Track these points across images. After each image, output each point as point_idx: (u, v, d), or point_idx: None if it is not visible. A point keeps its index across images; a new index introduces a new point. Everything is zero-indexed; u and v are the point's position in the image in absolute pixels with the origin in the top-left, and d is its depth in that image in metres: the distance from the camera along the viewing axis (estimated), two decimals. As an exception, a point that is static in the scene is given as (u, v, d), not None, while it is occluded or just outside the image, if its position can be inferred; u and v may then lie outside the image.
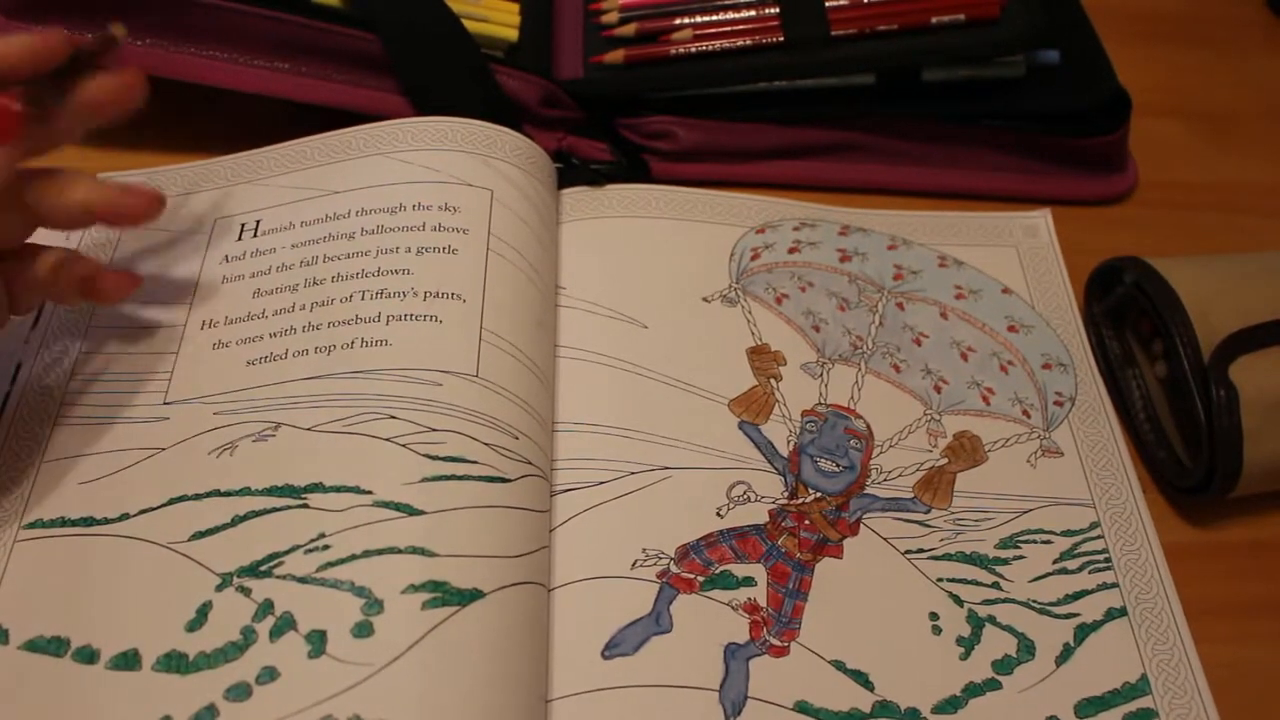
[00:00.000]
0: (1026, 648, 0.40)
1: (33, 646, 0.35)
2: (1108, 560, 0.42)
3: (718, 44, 0.52)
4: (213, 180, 0.48)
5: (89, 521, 0.38)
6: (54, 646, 0.35)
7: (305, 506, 0.37)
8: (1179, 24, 0.67)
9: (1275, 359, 0.43)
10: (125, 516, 0.38)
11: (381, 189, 0.46)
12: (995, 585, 0.41)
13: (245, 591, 0.36)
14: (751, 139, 0.53)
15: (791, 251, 0.51)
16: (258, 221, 0.46)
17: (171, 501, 0.38)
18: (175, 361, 0.42)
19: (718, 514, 0.42)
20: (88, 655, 0.35)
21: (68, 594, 0.36)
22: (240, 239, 0.46)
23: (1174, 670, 0.40)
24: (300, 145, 0.48)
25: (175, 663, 0.34)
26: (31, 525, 0.38)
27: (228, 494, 0.38)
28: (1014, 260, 0.52)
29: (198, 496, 0.38)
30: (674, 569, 0.40)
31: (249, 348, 0.42)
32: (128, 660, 0.35)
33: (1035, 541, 0.43)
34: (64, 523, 0.38)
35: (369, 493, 0.37)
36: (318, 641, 0.34)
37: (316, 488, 0.37)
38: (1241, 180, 0.58)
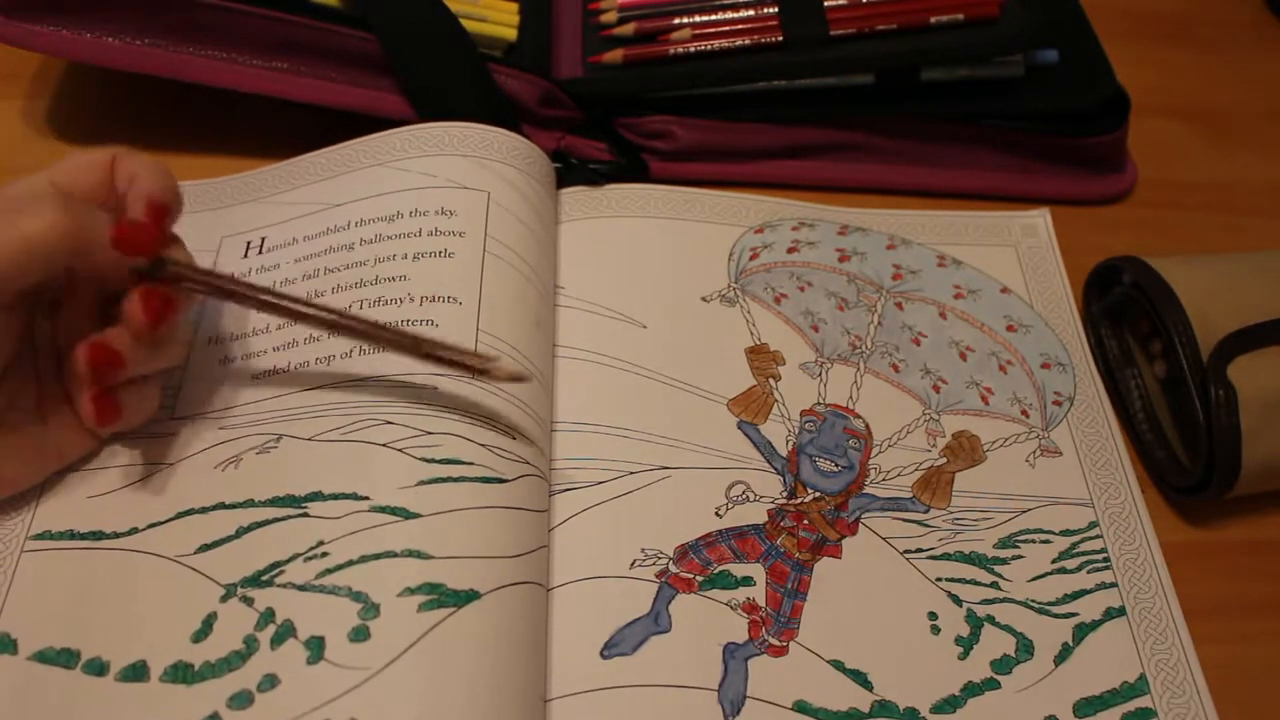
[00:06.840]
0: (1025, 647, 0.40)
1: (43, 658, 0.35)
2: (1106, 560, 0.42)
3: (716, 44, 0.52)
4: (220, 199, 0.48)
5: (98, 535, 0.38)
6: (65, 658, 0.35)
7: (305, 515, 0.37)
8: (1178, 24, 0.67)
9: (1274, 359, 0.43)
10: (134, 530, 0.38)
11: (379, 199, 0.46)
12: (994, 585, 0.41)
13: (248, 601, 0.36)
14: (750, 139, 0.53)
15: (790, 251, 0.51)
16: (263, 239, 0.46)
17: (179, 515, 0.38)
18: (182, 377, 0.42)
19: (716, 514, 0.42)
20: (98, 667, 0.35)
21: (78, 606, 0.36)
22: (246, 256, 0.46)
23: (1172, 670, 0.40)
24: (302, 162, 0.48)
25: (181, 673, 0.34)
26: (40, 536, 0.38)
27: (232, 506, 0.38)
28: (1013, 260, 0.52)
29: (204, 510, 0.38)
30: (673, 569, 0.40)
31: (253, 362, 0.42)
32: (137, 672, 0.35)
33: (1034, 541, 0.43)
34: (73, 535, 0.38)
35: (366, 498, 0.37)
36: (316, 647, 0.34)
37: (316, 496, 0.38)
38: (1240, 180, 0.58)
